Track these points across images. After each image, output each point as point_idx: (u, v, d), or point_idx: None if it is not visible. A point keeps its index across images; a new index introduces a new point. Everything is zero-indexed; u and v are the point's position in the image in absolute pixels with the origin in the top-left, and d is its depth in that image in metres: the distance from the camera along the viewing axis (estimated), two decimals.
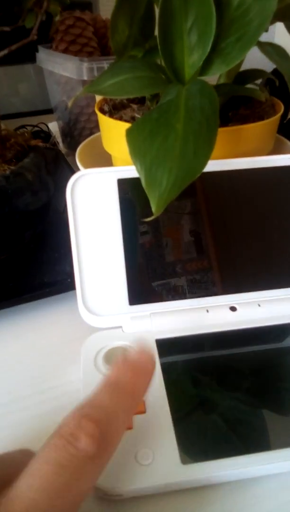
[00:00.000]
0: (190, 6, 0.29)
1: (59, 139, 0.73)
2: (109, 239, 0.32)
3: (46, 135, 0.75)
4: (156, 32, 0.31)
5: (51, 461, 0.17)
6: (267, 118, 0.36)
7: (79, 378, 0.29)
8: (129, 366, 0.22)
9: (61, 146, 0.72)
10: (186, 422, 0.26)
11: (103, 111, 0.39)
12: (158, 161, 0.25)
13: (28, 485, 0.17)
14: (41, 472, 0.17)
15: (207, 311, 0.33)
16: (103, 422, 0.19)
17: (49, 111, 0.77)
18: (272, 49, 0.32)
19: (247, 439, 0.25)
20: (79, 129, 0.60)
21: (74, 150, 0.65)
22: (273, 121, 0.36)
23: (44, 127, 0.76)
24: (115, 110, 0.39)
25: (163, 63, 0.31)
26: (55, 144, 0.74)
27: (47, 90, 0.70)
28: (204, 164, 0.26)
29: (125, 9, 0.32)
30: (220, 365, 0.30)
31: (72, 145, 0.66)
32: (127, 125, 0.35)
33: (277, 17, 0.36)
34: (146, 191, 0.25)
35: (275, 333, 0.32)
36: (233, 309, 0.33)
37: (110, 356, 0.30)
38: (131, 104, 0.38)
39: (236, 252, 0.34)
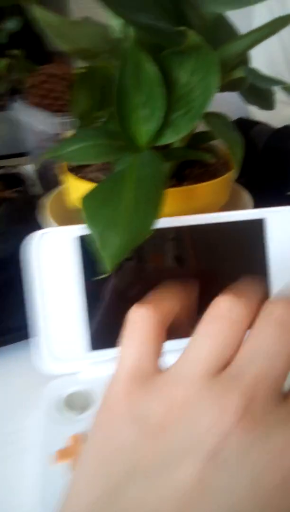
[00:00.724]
0: (143, 85, 0.33)
1: (36, 181, 0.76)
2: (69, 289, 0.35)
3: (16, 179, 0.79)
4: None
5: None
6: (220, 175, 0.40)
7: (39, 424, 0.31)
8: None
9: (37, 187, 0.76)
10: None
11: (69, 168, 0.43)
12: (110, 226, 0.28)
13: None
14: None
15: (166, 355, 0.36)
16: None
17: (23, 154, 0.80)
18: (216, 120, 0.36)
19: None
20: (53, 175, 0.64)
21: (49, 192, 0.68)
22: (224, 179, 0.39)
23: (19, 170, 0.80)
24: (79, 167, 0.42)
25: (120, 132, 0.34)
26: (31, 186, 0.78)
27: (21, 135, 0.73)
28: (151, 226, 0.29)
29: (86, 84, 0.36)
30: None
31: (48, 187, 0.69)
32: (87, 184, 0.39)
33: (226, 89, 0.40)
34: (100, 252, 0.28)
35: None
36: None
37: (70, 402, 0.32)
38: (93, 163, 0.42)
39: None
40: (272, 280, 0.38)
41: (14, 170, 0.77)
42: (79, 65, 0.34)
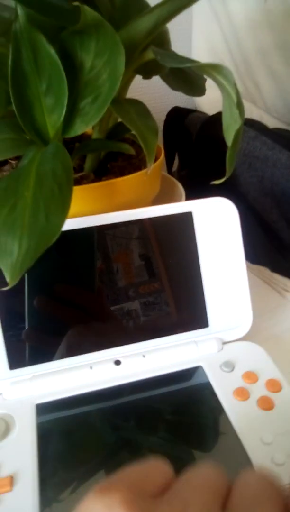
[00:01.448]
0: (42, 70, 0.29)
1: None
2: None
3: None
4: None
5: None
6: (144, 168, 0.37)
7: None
8: None
9: None
10: (56, 497, 0.25)
11: None
12: (6, 231, 0.25)
13: None
14: None
15: (91, 367, 0.33)
16: None
17: None
18: (131, 107, 0.32)
19: None
20: None
21: None
22: (144, 172, 0.36)
23: None
24: None
25: (22, 125, 0.31)
26: None
27: None
28: (58, 228, 0.26)
29: None
30: (103, 421, 0.30)
31: None
32: None
33: (145, 72, 0.37)
34: None
35: (161, 382, 0.32)
36: (117, 362, 0.33)
37: None
38: (9, 161, 0.38)
39: (117, 304, 0.34)
40: (202, 270, 0.35)
41: None
42: None
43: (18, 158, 0.39)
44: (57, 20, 0.28)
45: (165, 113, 0.59)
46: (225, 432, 0.28)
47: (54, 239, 0.26)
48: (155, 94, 0.62)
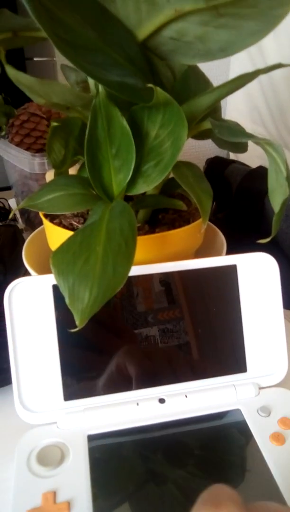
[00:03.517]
0: (113, 138, 0.34)
1: (18, 214, 0.77)
2: (45, 340, 0.35)
3: (6, 211, 0.79)
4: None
5: None
6: (193, 220, 0.40)
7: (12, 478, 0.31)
8: None
9: (19, 221, 0.76)
10: None
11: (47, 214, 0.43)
12: (80, 281, 0.29)
13: None
14: None
15: (137, 404, 0.36)
16: None
17: (10, 188, 0.81)
18: (187, 170, 0.36)
19: None
20: (35, 212, 0.64)
21: (31, 226, 0.69)
22: (196, 225, 0.40)
23: (5, 203, 0.80)
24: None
25: (92, 182, 0.35)
26: (14, 220, 0.78)
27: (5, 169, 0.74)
28: (123, 280, 0.29)
29: (60, 135, 0.36)
30: (148, 456, 0.32)
31: (29, 222, 0.70)
32: (63, 231, 0.39)
33: (197, 138, 0.41)
34: (70, 307, 0.28)
35: (201, 422, 0.35)
36: (161, 401, 0.36)
37: (43, 456, 0.32)
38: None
39: (165, 348, 0.37)
40: (245, 323, 0.38)
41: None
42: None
43: None
44: (131, 98, 0.32)
45: (198, 160, 0.64)
46: (262, 474, 0.31)
47: (119, 289, 0.29)
48: (192, 143, 0.66)
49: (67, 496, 0.29)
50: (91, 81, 0.35)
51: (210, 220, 0.48)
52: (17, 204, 0.74)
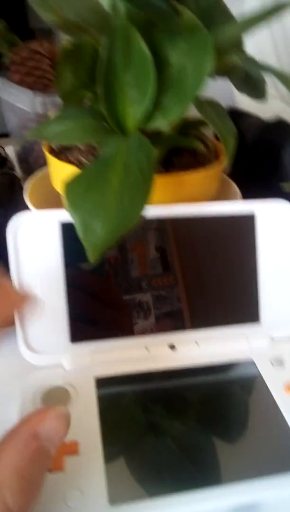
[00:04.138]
0: (131, 64, 0.31)
1: (15, 163, 0.74)
2: (51, 279, 0.33)
3: (3, 159, 0.76)
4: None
5: None
6: (209, 165, 0.38)
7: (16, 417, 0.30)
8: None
9: (17, 170, 0.73)
10: (120, 462, 0.27)
11: (51, 149, 0.41)
12: (94, 213, 0.27)
13: None
14: None
15: (147, 349, 0.35)
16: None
17: (7, 135, 0.77)
18: (209, 107, 0.34)
19: (183, 479, 0.26)
20: (34, 157, 0.61)
21: (30, 175, 0.66)
22: (213, 169, 0.38)
23: (1, 151, 0.77)
24: (65, 149, 0.40)
25: (105, 113, 0.32)
26: (11, 168, 0.75)
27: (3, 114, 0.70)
28: (139, 215, 0.28)
29: (71, 60, 0.34)
30: (159, 401, 0.32)
31: (28, 171, 0.67)
32: (71, 167, 0.37)
33: (219, 74, 0.38)
34: (82, 241, 0.27)
35: (214, 368, 0.34)
36: (172, 347, 0.35)
37: (49, 397, 0.31)
38: (79, 146, 0.40)
39: (178, 292, 0.36)
40: (260, 273, 0.37)
41: None
42: (65, 40, 0.32)
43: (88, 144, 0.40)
44: (155, 19, 0.29)
45: None
46: (277, 424, 0.30)
47: (134, 225, 0.27)
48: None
49: (75, 436, 0.28)
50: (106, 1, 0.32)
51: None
52: (15, 151, 0.71)
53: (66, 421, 0.24)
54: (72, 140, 0.32)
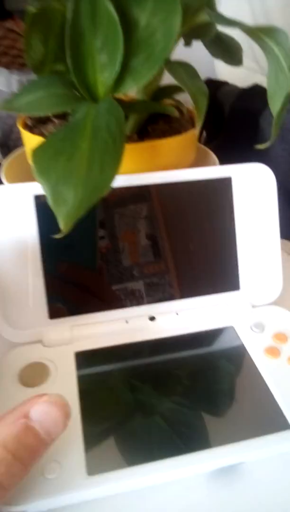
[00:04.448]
0: (99, 26, 0.30)
1: None
2: (27, 254, 0.33)
3: None
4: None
5: None
6: (185, 132, 0.37)
7: None
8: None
9: None
10: (98, 433, 0.27)
11: (26, 125, 0.40)
12: (64, 180, 0.26)
13: None
14: None
15: (127, 322, 0.34)
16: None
17: None
18: (180, 68, 0.33)
19: (159, 447, 0.26)
20: (14, 140, 0.60)
21: None
22: (189, 135, 0.37)
23: None
24: (38, 124, 0.40)
25: (75, 81, 0.31)
26: None
27: None
28: (110, 180, 0.27)
29: (39, 27, 0.32)
30: (138, 373, 0.31)
31: (8, 155, 0.66)
32: None
33: (191, 36, 0.37)
34: (53, 209, 0.26)
35: (194, 340, 0.34)
36: (152, 319, 0.34)
37: (29, 373, 0.30)
38: (53, 119, 0.39)
39: (155, 264, 0.35)
40: (239, 240, 0.36)
41: None
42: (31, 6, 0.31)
43: (62, 117, 0.39)
44: None
45: None
46: (257, 387, 0.30)
47: (106, 191, 0.27)
48: None
49: None
50: None
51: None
52: None
53: (64, 410, 0.23)
54: (42, 110, 0.31)
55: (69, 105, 0.31)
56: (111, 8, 0.29)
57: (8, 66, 0.56)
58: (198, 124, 0.31)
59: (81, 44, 0.31)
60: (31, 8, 0.31)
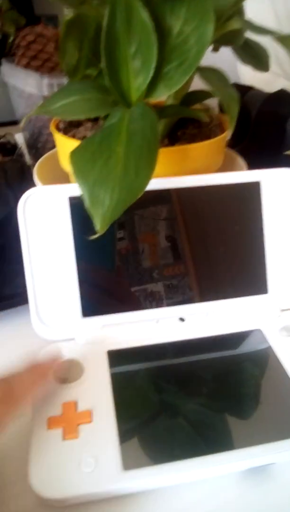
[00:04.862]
0: (133, 33, 0.31)
1: (25, 150, 0.74)
2: (62, 254, 0.34)
3: (12, 147, 0.76)
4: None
5: None
6: (214, 137, 0.38)
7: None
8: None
9: (27, 157, 0.73)
10: (132, 430, 0.27)
11: (59, 128, 0.41)
12: (101, 182, 0.27)
13: None
14: None
15: (157, 322, 0.35)
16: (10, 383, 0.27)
17: (16, 122, 0.78)
18: (212, 75, 0.34)
19: (192, 444, 0.26)
20: (43, 142, 0.61)
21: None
22: (219, 140, 0.37)
23: (10, 138, 0.77)
24: (70, 127, 0.40)
25: (109, 86, 0.32)
26: (21, 155, 0.75)
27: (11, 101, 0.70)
28: (145, 184, 0.27)
29: (74, 33, 0.33)
30: (169, 373, 0.32)
31: (37, 157, 0.67)
32: (77, 143, 0.37)
33: (221, 42, 0.38)
34: (89, 211, 0.27)
35: (224, 341, 0.34)
36: (182, 319, 0.35)
37: (62, 370, 0.31)
38: (84, 123, 0.40)
39: (185, 266, 0.36)
40: (267, 244, 0.37)
41: (3, 140, 0.75)
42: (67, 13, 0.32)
43: (93, 120, 0.40)
44: None
45: None
46: (286, 389, 0.30)
47: (141, 194, 0.27)
48: None
49: (88, 406, 0.29)
50: None
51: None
52: (24, 138, 0.71)
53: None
54: (78, 114, 0.32)
55: (104, 109, 0.32)
56: (145, 16, 0.30)
57: (38, 69, 0.57)
58: (230, 130, 0.31)
59: (115, 50, 0.31)
60: (67, 15, 0.32)
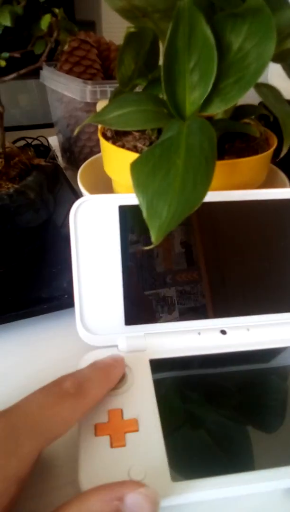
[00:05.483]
0: (193, 48, 0.31)
1: (58, 153, 0.75)
2: (108, 262, 0.34)
3: (45, 149, 0.77)
4: (160, 66, 0.33)
5: (43, 391, 0.26)
6: (261, 151, 0.38)
7: None
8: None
9: (60, 160, 0.74)
10: (177, 440, 0.28)
11: (105, 136, 0.41)
12: (159, 194, 0.27)
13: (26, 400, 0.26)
14: (35, 395, 0.26)
15: (199, 333, 0.35)
16: (81, 379, 0.28)
17: (49, 125, 0.79)
18: (267, 91, 0.34)
19: (235, 457, 0.26)
20: (80, 147, 0.62)
21: (73, 165, 0.67)
22: (266, 155, 0.38)
23: (43, 141, 0.78)
24: (117, 136, 0.41)
25: (166, 99, 0.32)
26: (54, 158, 0.76)
27: (48, 104, 0.71)
28: (202, 197, 0.28)
29: (132, 45, 0.34)
30: (210, 384, 0.32)
31: (72, 161, 0.68)
32: (129, 153, 0.37)
33: (275, 60, 0.38)
34: (147, 222, 0.27)
35: (263, 355, 0.34)
36: (223, 332, 0.35)
37: None
38: (132, 132, 0.40)
39: (228, 279, 0.36)
40: None
41: (37, 142, 0.76)
42: (129, 26, 0.32)
43: (141, 131, 0.41)
44: (219, 2, 0.29)
45: None
46: None
47: (197, 207, 0.28)
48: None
49: (134, 414, 0.29)
50: None
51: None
52: (59, 140, 0.72)
53: (154, 508, 0.23)
54: (134, 125, 0.32)
55: (160, 122, 0.33)
56: (208, 31, 0.30)
57: (79, 75, 0.58)
58: (286, 147, 0.31)
59: (174, 63, 0.32)
60: (130, 28, 0.32)
